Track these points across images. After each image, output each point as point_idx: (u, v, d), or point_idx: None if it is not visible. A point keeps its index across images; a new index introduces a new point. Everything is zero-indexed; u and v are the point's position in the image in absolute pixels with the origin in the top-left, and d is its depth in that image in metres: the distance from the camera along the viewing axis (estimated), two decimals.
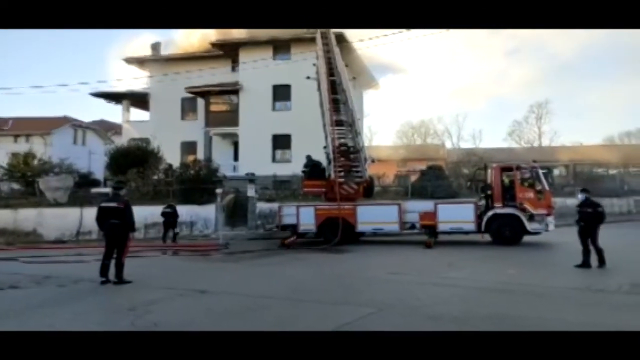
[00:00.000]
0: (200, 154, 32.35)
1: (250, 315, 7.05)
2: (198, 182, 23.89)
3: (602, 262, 10.64)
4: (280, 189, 27.44)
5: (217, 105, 33.74)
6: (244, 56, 31.72)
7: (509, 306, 7.35)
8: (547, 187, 16.16)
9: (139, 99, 36.85)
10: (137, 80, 35.57)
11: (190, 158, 30.84)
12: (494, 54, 77.82)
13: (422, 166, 33.80)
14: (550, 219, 15.75)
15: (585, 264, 10.72)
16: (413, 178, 32.47)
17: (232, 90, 32.41)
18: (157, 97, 35.19)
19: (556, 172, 37.51)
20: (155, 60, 35.37)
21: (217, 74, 31.69)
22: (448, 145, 63.55)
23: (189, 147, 34.32)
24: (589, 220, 10.90)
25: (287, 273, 11.67)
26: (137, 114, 39.00)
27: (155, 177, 25.70)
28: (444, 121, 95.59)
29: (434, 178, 28.79)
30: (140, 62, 36.49)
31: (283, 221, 18.86)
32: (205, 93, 33.14)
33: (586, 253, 10.80)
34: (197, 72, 30.66)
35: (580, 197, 11.44)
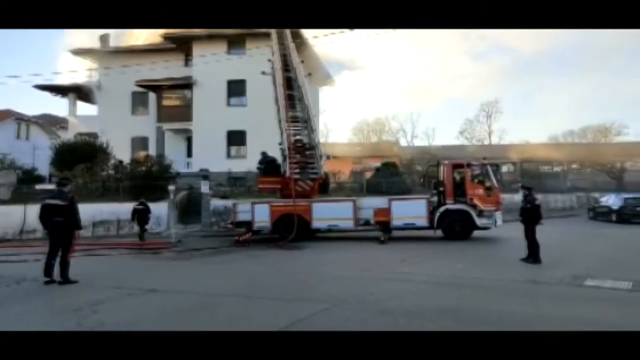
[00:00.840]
0: (152, 150, 31.54)
1: (202, 314, 6.93)
2: (150, 179, 23.34)
3: (531, 256, 10.99)
4: (235, 185, 27.16)
5: (170, 100, 32.93)
6: (197, 50, 31.11)
7: (459, 299, 7.53)
8: (495, 184, 16.68)
9: (86, 92, 35.45)
10: (84, 72, 34.11)
11: (142, 154, 29.97)
12: (451, 53, 79.62)
13: (377, 163, 34.27)
14: (498, 214, 16.28)
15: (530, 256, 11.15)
16: (368, 175, 32.83)
17: (185, 84, 31.73)
18: (106, 90, 33.95)
19: (504, 169, 38.77)
20: (104, 52, 34.13)
21: (170, 67, 30.89)
22: (402, 142, 64.97)
23: (140, 143, 33.30)
24: (525, 216, 11.47)
25: (241, 270, 11.55)
26: (85, 108, 37.61)
27: (104, 173, 24.89)
28: (399, 119, 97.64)
29: (389, 175, 29.35)
30: (87, 53, 35.08)
31: (238, 218, 18.66)
32: (157, 87, 32.31)
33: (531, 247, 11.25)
34: (149, 66, 29.80)
35: (521, 193, 11.99)
